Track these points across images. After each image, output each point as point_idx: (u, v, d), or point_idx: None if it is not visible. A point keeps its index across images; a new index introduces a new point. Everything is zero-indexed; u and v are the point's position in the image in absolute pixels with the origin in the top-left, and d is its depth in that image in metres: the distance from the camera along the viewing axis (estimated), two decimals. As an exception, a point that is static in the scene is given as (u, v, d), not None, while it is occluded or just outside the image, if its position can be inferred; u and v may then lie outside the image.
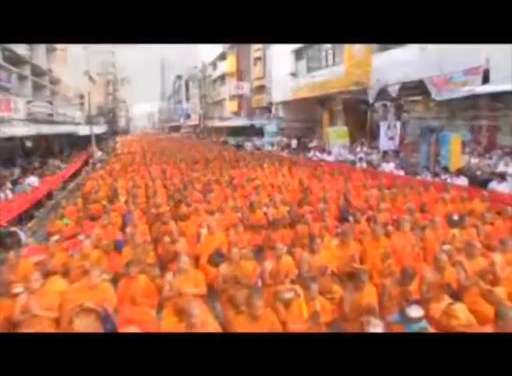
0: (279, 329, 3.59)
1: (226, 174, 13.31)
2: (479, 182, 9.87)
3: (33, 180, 12.06)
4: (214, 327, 3.50)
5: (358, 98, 19.94)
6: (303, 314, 3.80)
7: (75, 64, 30.25)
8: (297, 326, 3.68)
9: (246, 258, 5.10)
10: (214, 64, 50.92)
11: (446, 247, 5.39)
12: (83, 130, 21.59)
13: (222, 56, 45.70)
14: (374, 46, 18.29)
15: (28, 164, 16.38)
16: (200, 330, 3.38)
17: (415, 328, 3.75)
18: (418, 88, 15.16)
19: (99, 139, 30.14)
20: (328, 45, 22.06)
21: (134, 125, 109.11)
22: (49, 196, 13.94)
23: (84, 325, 4.16)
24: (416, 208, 7.48)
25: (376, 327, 3.70)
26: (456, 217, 6.84)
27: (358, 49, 18.47)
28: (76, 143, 26.41)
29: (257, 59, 34.78)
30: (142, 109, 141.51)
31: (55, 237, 7.11)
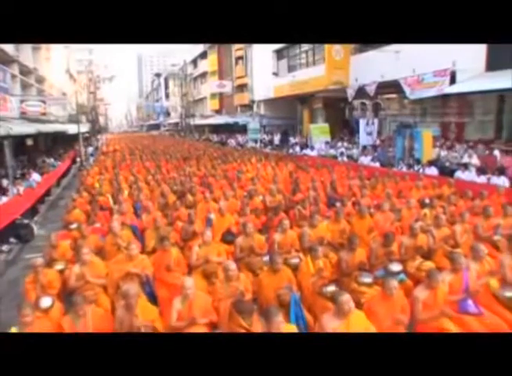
0: (294, 282, 4.66)
1: (218, 168, 14.25)
2: (447, 172, 11.21)
3: (36, 177, 12.72)
4: (245, 281, 4.53)
5: (337, 96, 21.18)
6: (310, 270, 4.86)
7: (57, 62, 30.49)
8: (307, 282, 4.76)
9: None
10: (194, 62, 51.49)
11: (419, 223, 6.55)
12: (71, 129, 22.06)
13: (203, 55, 46.36)
14: (352, 48, 19.55)
15: (19, 163, 16.85)
16: (234, 283, 4.42)
17: (396, 279, 4.87)
18: (393, 87, 16.41)
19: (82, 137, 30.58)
20: (308, 46, 23.09)
21: (111, 124, 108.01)
22: (47, 192, 14.57)
23: (130, 289, 5.09)
24: (393, 194, 8.66)
25: (367, 278, 4.81)
26: (427, 200, 8.05)
27: (337, 50, 19.61)
28: (60, 142, 26.82)
29: (239, 58, 35.71)
30: (119, 107, 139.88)
31: (74, 225, 7.97)
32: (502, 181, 9.29)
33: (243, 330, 3.94)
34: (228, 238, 6.72)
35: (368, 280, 4.75)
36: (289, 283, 4.49)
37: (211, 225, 7.27)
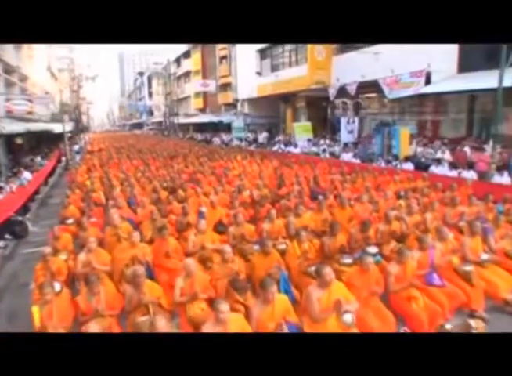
0: (282, 263, 5.22)
1: (206, 165, 14.73)
2: (422, 167, 11.99)
3: (27, 175, 12.98)
4: (239, 263, 5.09)
5: (320, 95, 21.86)
6: (296, 253, 5.44)
7: (39, 60, 30.34)
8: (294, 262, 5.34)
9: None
10: (178, 61, 51.62)
11: (394, 211, 7.21)
12: (57, 127, 22.17)
13: (187, 54, 46.60)
14: (334, 49, 20.24)
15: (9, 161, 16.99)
16: (230, 264, 4.96)
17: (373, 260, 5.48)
18: (373, 87, 17.14)
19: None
20: (291, 46, 23.67)
21: (92, 123, 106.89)
22: (36, 191, 14.79)
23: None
24: (372, 188, 9.32)
25: (347, 259, 5.41)
26: (402, 193, 8.75)
27: (319, 51, 20.27)
28: (44, 140, 26.83)
29: (223, 57, 36.16)
30: (101, 106, 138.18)
31: (71, 220, 8.38)
32: (470, 175, 10.08)
33: (239, 305, 4.49)
34: (220, 229, 7.24)
35: (348, 260, 5.35)
36: (278, 264, 5.06)
37: (204, 218, 7.78)
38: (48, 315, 4.11)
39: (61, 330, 4.05)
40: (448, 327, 4.15)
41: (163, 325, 3.20)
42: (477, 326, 4.09)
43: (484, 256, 5.23)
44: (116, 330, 4.23)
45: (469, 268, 4.89)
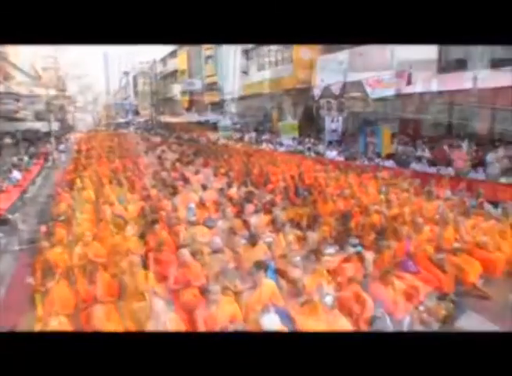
0: (269, 254, 5.56)
1: (193, 164, 14.99)
2: (404, 165, 12.46)
3: (16, 174, 13.04)
4: (228, 254, 5.40)
5: (305, 95, 22.24)
6: (282, 244, 5.78)
7: (24, 59, 30.07)
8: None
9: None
10: (164, 61, 51.55)
11: (375, 206, 7.61)
12: (43, 127, 22.12)
13: (173, 53, 46.58)
14: (319, 49, 20.61)
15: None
16: (220, 256, 5.26)
17: (353, 250, 5.85)
18: (357, 86, 17.55)
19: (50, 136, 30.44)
20: (277, 46, 23.97)
21: (77, 122, 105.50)
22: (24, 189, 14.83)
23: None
24: (355, 184, 9.72)
25: (329, 250, 5.77)
26: (383, 188, 9.16)
27: (305, 51, 20.64)
28: (29, 140, 26.69)
29: (209, 57, 36.31)
30: (85, 105, 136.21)
31: (62, 217, 8.56)
32: (449, 171, 10.57)
33: (229, 291, 4.80)
34: (209, 223, 7.53)
35: (330, 251, 5.70)
36: (265, 254, 5.39)
37: (193, 213, 8.06)
38: (50, 302, 4.36)
39: (63, 317, 4.30)
40: (422, 308, 4.52)
41: (160, 307, 3.49)
42: (447, 307, 4.49)
43: (456, 245, 5.66)
44: (114, 316, 4.50)
45: (442, 256, 5.30)
